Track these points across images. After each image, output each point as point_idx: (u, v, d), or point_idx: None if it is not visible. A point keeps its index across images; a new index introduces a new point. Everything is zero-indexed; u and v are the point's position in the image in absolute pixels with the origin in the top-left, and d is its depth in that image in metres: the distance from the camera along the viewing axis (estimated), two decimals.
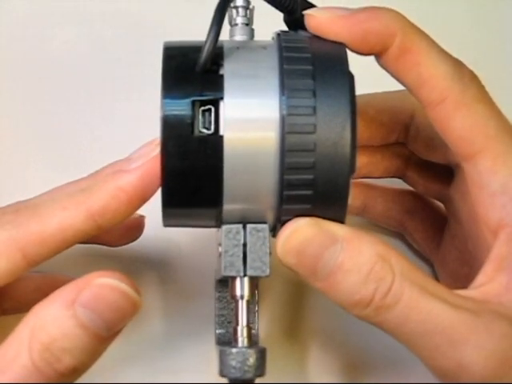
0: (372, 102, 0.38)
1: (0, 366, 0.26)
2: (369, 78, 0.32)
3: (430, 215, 0.41)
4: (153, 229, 0.37)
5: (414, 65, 0.30)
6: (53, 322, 0.26)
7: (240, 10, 0.32)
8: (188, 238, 0.41)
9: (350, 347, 0.41)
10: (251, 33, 0.32)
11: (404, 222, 0.42)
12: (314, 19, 0.30)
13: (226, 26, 0.32)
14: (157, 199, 0.29)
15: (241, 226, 0.30)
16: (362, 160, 0.40)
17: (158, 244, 0.41)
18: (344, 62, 0.29)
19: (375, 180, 0.41)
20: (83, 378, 0.28)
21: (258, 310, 0.36)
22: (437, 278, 0.41)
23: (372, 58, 0.31)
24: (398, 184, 0.41)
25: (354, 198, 0.41)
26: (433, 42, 0.31)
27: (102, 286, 0.27)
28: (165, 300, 0.41)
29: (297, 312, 0.41)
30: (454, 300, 0.28)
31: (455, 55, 0.31)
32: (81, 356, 0.27)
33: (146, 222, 0.38)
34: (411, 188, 0.41)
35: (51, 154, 0.43)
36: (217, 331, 0.37)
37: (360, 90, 0.30)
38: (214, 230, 0.32)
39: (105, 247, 0.38)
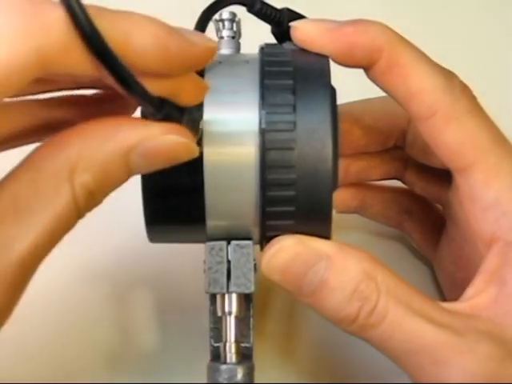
0: (368, 110, 0.37)
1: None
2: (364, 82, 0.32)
3: (428, 216, 0.41)
4: (146, 241, 0.37)
5: (403, 79, 0.30)
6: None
7: (226, 23, 0.32)
8: (183, 251, 0.41)
9: (347, 360, 0.41)
10: (237, 46, 0.32)
11: (402, 222, 0.41)
12: (300, 32, 0.30)
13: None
14: None
15: (224, 242, 0.29)
16: (360, 164, 0.40)
17: (153, 256, 0.41)
18: (326, 75, 0.28)
19: None
20: None
21: (252, 325, 0.36)
22: (437, 278, 0.41)
23: None
24: (397, 182, 0.41)
25: (352, 199, 0.41)
26: (421, 54, 0.30)
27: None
28: (159, 314, 0.41)
29: (293, 325, 0.41)
30: (439, 318, 0.28)
31: (453, 62, 0.31)
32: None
33: (140, 235, 0.37)
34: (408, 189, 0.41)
35: None
36: (212, 345, 0.37)
37: (359, 94, 0.29)
38: None
39: (98, 267, 0.38)
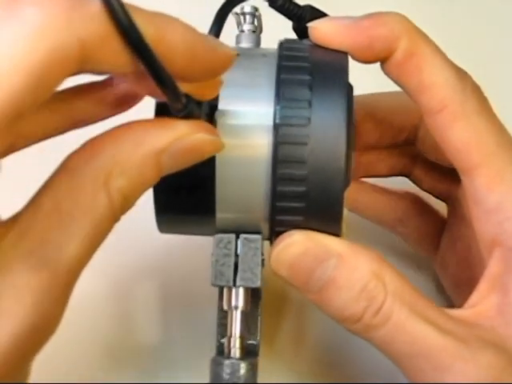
0: (381, 103, 0.37)
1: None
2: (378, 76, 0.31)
3: (424, 222, 0.40)
4: (151, 234, 0.36)
5: (417, 70, 0.29)
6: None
7: (247, 16, 0.32)
8: (188, 245, 0.41)
9: (353, 364, 0.40)
10: (258, 40, 0.32)
11: (397, 228, 0.41)
12: (318, 31, 0.30)
13: (234, 32, 0.32)
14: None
15: (233, 235, 0.29)
16: (368, 158, 0.39)
17: (157, 250, 0.41)
18: (344, 73, 0.28)
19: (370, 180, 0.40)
20: None
21: (260, 322, 0.35)
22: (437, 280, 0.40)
23: None
24: (391, 183, 0.40)
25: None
26: (438, 48, 0.30)
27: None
28: (164, 309, 0.41)
29: (301, 328, 0.41)
30: (443, 324, 0.28)
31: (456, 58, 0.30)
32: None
33: (144, 227, 0.37)
34: (406, 190, 0.40)
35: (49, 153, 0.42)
36: (218, 341, 0.36)
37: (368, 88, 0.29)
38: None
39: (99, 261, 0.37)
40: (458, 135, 0.29)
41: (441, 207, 0.40)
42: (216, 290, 0.36)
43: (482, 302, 0.29)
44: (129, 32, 0.20)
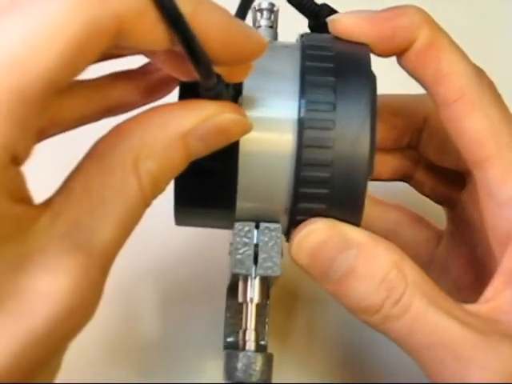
0: (386, 104, 0.37)
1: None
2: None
3: (417, 232, 0.40)
4: (156, 232, 0.36)
5: (436, 60, 0.30)
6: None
7: (264, 12, 0.32)
8: (192, 244, 0.40)
9: (363, 359, 0.40)
10: (275, 35, 0.32)
11: (390, 240, 0.40)
12: (340, 23, 0.30)
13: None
14: (157, 203, 0.28)
15: (253, 224, 0.29)
16: None
17: (160, 250, 0.41)
18: (367, 61, 0.29)
19: None
20: None
21: (268, 321, 0.35)
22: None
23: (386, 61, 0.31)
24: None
25: None
26: (453, 41, 0.31)
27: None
28: (166, 308, 0.41)
29: (308, 323, 0.41)
30: (462, 316, 0.28)
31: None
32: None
33: (148, 226, 0.36)
34: (397, 203, 0.40)
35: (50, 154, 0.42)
36: (226, 340, 0.36)
37: None
38: (218, 238, 0.31)
39: None
40: (474, 125, 0.29)
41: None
42: (217, 290, 0.36)
43: (497, 297, 0.29)
44: (166, 5, 0.20)
